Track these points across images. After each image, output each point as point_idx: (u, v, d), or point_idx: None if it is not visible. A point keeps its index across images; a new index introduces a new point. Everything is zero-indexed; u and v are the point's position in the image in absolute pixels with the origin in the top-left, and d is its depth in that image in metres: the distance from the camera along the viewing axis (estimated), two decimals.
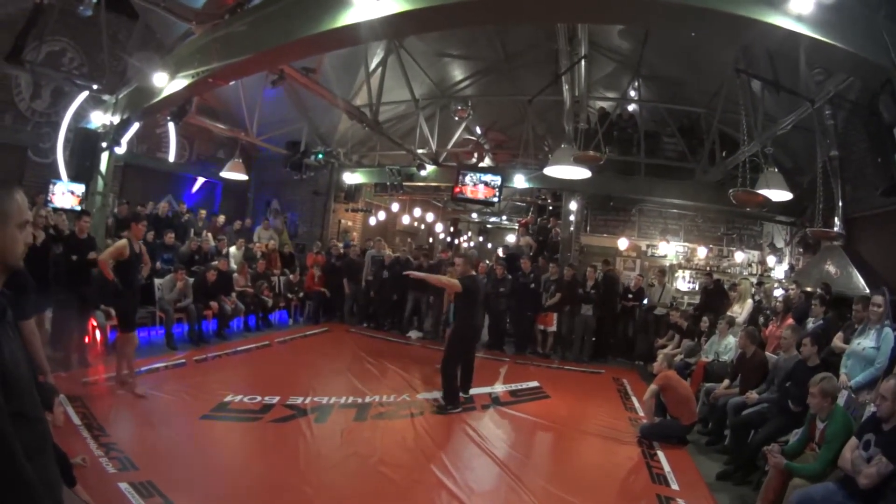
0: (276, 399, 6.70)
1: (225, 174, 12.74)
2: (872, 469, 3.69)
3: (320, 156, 13.39)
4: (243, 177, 13.02)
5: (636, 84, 13.15)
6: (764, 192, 7.57)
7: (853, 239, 8.57)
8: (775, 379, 6.36)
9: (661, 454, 6.26)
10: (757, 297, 10.04)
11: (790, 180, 7.88)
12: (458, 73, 14.31)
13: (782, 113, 8.32)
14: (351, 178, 15.89)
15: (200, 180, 15.80)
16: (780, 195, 7.71)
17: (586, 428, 7.18)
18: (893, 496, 3.46)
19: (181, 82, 8.01)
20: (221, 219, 13.80)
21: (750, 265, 14.07)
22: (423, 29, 8.30)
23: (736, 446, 6.22)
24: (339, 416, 6.46)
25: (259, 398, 6.67)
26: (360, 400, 7.08)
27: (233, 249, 12.13)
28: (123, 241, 6.62)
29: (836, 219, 7.80)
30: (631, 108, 14.06)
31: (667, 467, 5.95)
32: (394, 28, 6.42)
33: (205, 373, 7.70)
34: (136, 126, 10.11)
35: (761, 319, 9.00)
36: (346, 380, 8.00)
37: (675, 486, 5.56)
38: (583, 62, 9.31)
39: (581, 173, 9.32)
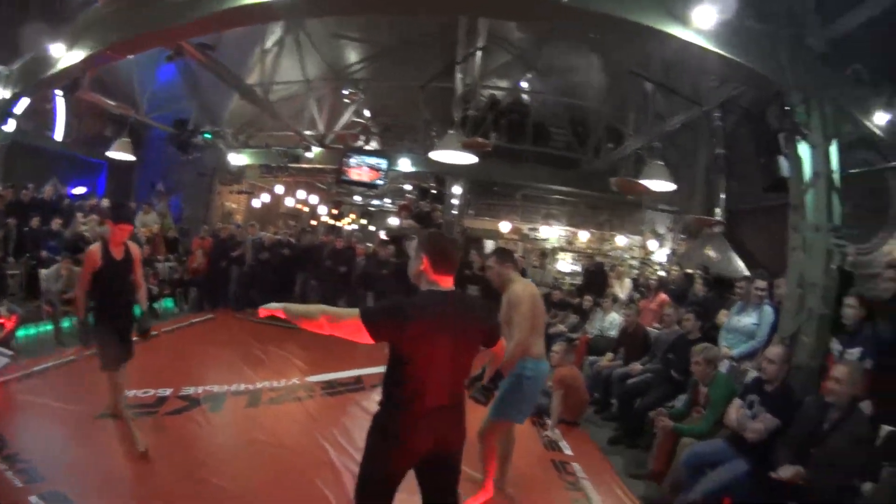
0: (169, 391, 6.35)
1: (112, 154, 11.97)
2: (759, 425, 4.20)
3: (208, 135, 12.77)
4: (130, 157, 12.30)
5: (530, 76, 13.66)
6: (647, 182, 8.23)
7: (737, 228, 9.59)
8: (657, 351, 6.99)
9: (549, 423, 6.56)
10: (634, 275, 10.92)
11: (676, 173, 8.59)
12: (353, 55, 14.21)
13: (673, 111, 9.05)
14: (237, 158, 15.32)
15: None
16: (663, 186, 8.38)
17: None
18: (783, 448, 4.00)
19: (79, 54, 7.52)
20: (106, 202, 12.93)
21: (632, 249, 15.20)
22: (325, 12, 8.26)
23: (624, 413, 6.71)
24: (233, 404, 6.34)
25: (152, 391, 6.27)
26: (250, 386, 6.92)
27: None
28: (94, 248, 4.99)
29: (718, 209, 8.64)
30: (524, 97, 14.59)
31: (556, 434, 6.33)
32: (297, 9, 6.39)
33: (96, 369, 7.29)
34: (25, 101, 9.34)
35: (637, 295, 9.84)
36: (236, 367, 7.74)
37: (568, 452, 5.94)
38: (479, 53, 9.61)
39: (467, 158, 9.55)
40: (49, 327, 8.28)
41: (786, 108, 5.37)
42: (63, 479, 4.18)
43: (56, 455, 4.67)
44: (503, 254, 4.75)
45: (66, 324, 8.31)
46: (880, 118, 5.61)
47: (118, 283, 5.03)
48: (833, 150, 5.20)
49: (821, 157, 5.11)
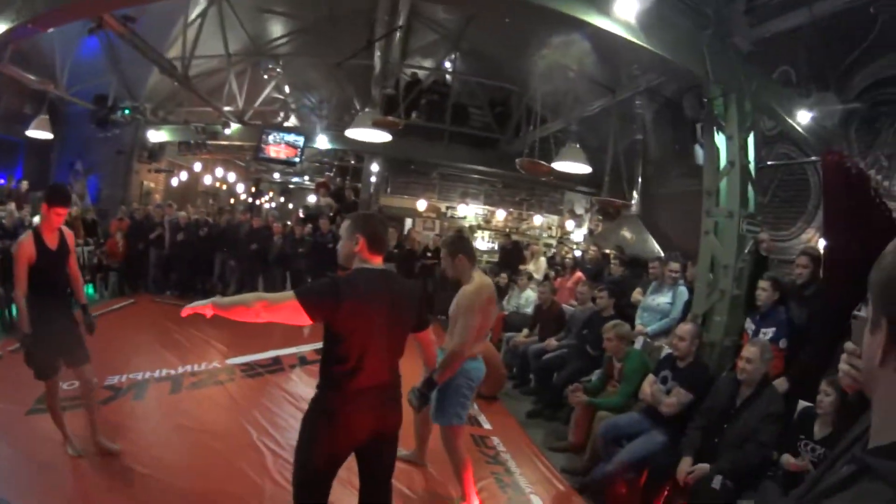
0: (93, 381, 6.29)
1: (31, 133, 11.17)
2: (673, 399, 4.43)
3: (127, 111, 12.02)
4: (48, 135, 11.52)
5: (453, 57, 13.62)
6: (561, 164, 8.46)
7: (653, 211, 10.04)
8: (572, 328, 7.22)
9: None
10: (549, 254, 11.24)
11: (594, 156, 8.86)
12: (277, 29, 13.76)
13: (593, 97, 9.30)
14: (155, 135, 14.58)
15: None
16: (579, 168, 8.62)
17: None
18: (695, 420, 4.23)
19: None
20: (25, 185, 12.13)
21: (550, 228, 15.65)
22: None
23: (541, 387, 6.95)
24: (156, 391, 6.17)
25: (77, 383, 6.20)
26: (172, 371, 6.76)
27: (36, 219, 10.79)
28: (24, 238, 4.14)
29: (634, 192, 8.98)
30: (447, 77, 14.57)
31: (475, 409, 6.31)
32: None
33: (21, 363, 6.94)
34: None
35: (552, 273, 10.15)
36: (157, 352, 7.46)
37: (487, 426, 6.08)
38: (398, 32, 9.60)
39: (381, 137, 9.61)
40: None
41: (704, 99, 5.62)
42: (4, 486, 3.95)
43: None
44: (456, 245, 4.15)
45: None
46: (803, 117, 6.04)
47: (55, 276, 4.31)
48: (750, 141, 5.50)
49: (736, 147, 5.39)
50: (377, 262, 2.88)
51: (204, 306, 2.68)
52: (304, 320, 2.61)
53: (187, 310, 2.72)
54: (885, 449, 0.89)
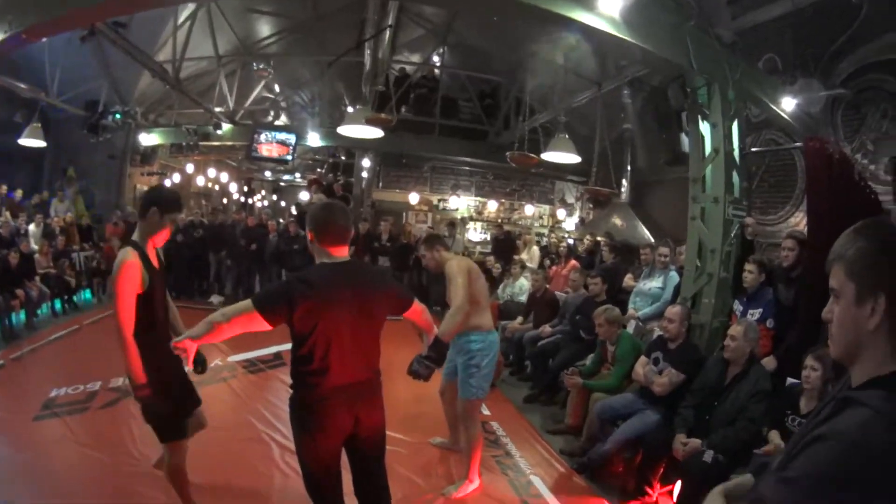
0: (98, 384, 6.16)
1: (24, 141, 11.18)
2: (665, 379, 4.57)
3: (118, 116, 12.09)
4: (41, 143, 11.52)
5: (441, 51, 13.73)
6: (551, 154, 8.60)
7: (643, 199, 10.19)
8: (566, 314, 7.34)
9: None
10: (542, 244, 11.42)
11: (585, 146, 9.03)
12: (265, 29, 13.74)
13: (581, 87, 9.43)
14: (147, 139, 14.59)
15: None
16: (568, 158, 8.79)
17: (392, 370, 7.66)
18: (687, 398, 4.39)
19: None
20: (19, 193, 12.22)
21: (541, 217, 15.86)
22: None
23: (537, 373, 7.08)
24: None
25: (81, 387, 6.07)
26: None
27: (31, 227, 10.77)
28: (130, 258, 3.06)
29: (623, 180, 9.11)
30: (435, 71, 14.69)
31: None
32: None
33: (24, 371, 6.86)
34: None
35: (547, 262, 10.32)
36: None
37: (486, 412, 6.10)
38: (388, 31, 9.73)
39: (373, 133, 9.71)
40: None
41: (688, 89, 5.76)
42: (12, 490, 4.04)
43: (1, 467, 4.48)
44: (431, 239, 4.66)
45: None
46: (788, 104, 6.19)
47: (160, 304, 3.37)
48: (734, 129, 5.64)
49: (721, 135, 5.53)
50: (340, 253, 2.76)
51: (182, 342, 2.58)
52: (264, 326, 2.55)
53: (175, 344, 2.59)
54: (863, 385, 1.09)
